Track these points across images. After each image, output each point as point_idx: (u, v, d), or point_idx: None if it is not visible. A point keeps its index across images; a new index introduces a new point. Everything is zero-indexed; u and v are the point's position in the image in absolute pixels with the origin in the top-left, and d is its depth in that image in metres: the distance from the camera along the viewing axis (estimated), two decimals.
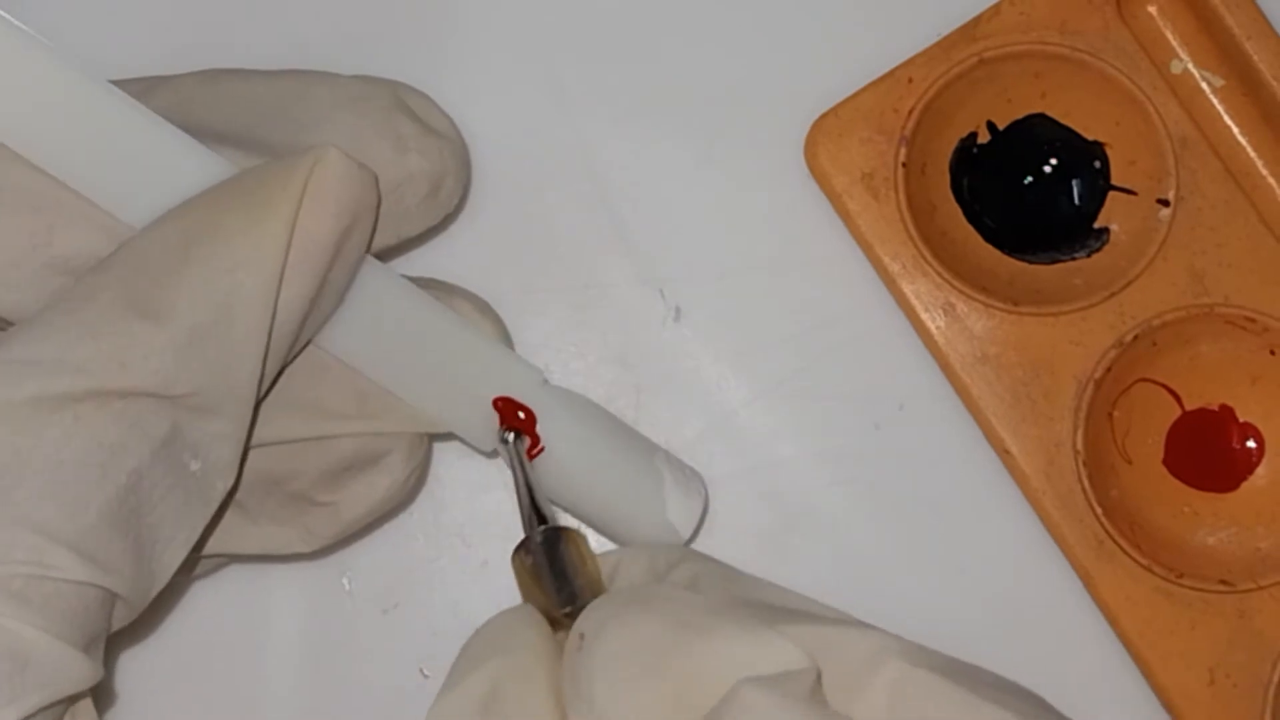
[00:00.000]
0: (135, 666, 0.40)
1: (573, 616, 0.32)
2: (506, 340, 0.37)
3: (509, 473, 0.37)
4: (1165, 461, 0.40)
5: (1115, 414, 0.40)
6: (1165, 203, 0.40)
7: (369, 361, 0.35)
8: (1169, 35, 0.40)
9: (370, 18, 0.41)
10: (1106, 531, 0.39)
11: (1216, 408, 0.40)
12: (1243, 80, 0.40)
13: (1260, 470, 0.40)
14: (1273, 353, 0.40)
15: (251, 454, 0.35)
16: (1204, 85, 0.40)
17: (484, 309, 0.37)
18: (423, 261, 0.40)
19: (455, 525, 0.41)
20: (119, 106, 0.33)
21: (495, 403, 0.36)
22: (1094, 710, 0.40)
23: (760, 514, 0.41)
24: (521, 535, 0.35)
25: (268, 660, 0.40)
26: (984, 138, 0.41)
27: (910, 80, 0.40)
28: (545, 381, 0.37)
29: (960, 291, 0.39)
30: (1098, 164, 0.41)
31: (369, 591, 0.41)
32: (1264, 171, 0.40)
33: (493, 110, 0.41)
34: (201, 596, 0.40)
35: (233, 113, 0.35)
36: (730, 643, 0.28)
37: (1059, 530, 0.39)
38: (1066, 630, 0.40)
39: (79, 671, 0.29)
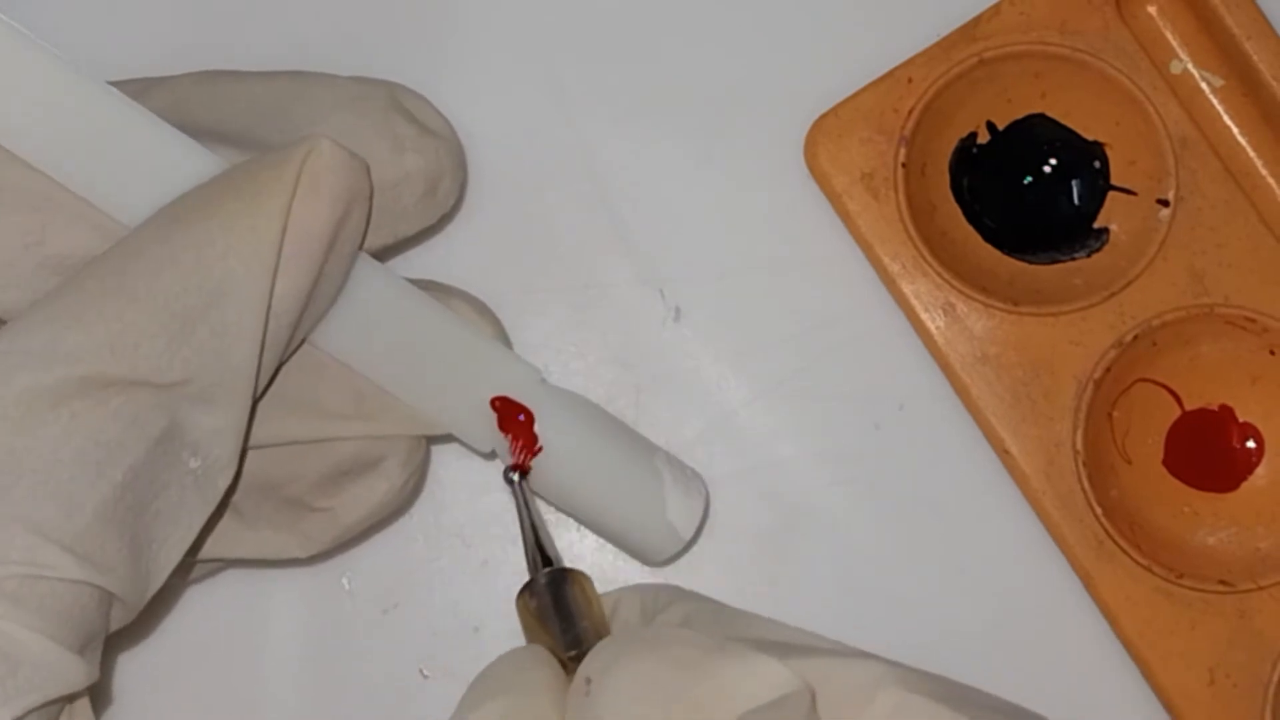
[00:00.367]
0: (135, 667, 0.40)
1: (578, 660, 0.31)
2: (505, 340, 0.37)
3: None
4: (1165, 462, 0.40)
5: (1115, 414, 0.40)
6: (1165, 203, 0.40)
7: (366, 361, 0.35)
8: (1169, 35, 0.40)
9: (369, 18, 0.41)
10: (1106, 532, 0.39)
11: (1216, 408, 0.40)
12: (1242, 80, 0.40)
13: (1260, 470, 0.40)
14: (1272, 353, 0.40)
15: (249, 457, 0.35)
16: (1204, 85, 0.40)
17: (482, 309, 0.37)
18: (422, 262, 0.40)
19: (455, 526, 0.41)
20: (116, 106, 0.33)
21: (493, 402, 0.36)
22: (1094, 710, 0.40)
23: (760, 514, 0.41)
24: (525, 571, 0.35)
25: (267, 660, 0.40)
26: (984, 138, 0.41)
27: (910, 80, 0.40)
28: (543, 381, 0.37)
29: (960, 292, 0.39)
30: (1097, 164, 0.41)
31: (369, 591, 0.41)
32: (1264, 171, 0.40)
33: (492, 110, 0.41)
34: (201, 597, 0.40)
35: (229, 113, 0.35)
36: (729, 678, 0.28)
37: (1059, 530, 0.39)
38: (1066, 630, 0.40)
39: (73, 673, 0.29)
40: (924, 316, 0.40)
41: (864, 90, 0.40)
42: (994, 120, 0.41)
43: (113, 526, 0.30)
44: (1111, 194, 0.41)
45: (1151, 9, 0.40)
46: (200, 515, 0.32)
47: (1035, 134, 0.41)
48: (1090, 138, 0.41)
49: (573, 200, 0.41)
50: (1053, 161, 0.41)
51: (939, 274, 0.39)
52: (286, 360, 0.34)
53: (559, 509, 0.38)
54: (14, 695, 0.28)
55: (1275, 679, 0.39)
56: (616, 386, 0.41)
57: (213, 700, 0.40)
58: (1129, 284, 0.39)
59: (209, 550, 0.36)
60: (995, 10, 0.40)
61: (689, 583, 0.40)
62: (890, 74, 0.40)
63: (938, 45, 0.40)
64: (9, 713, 0.28)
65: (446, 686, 0.40)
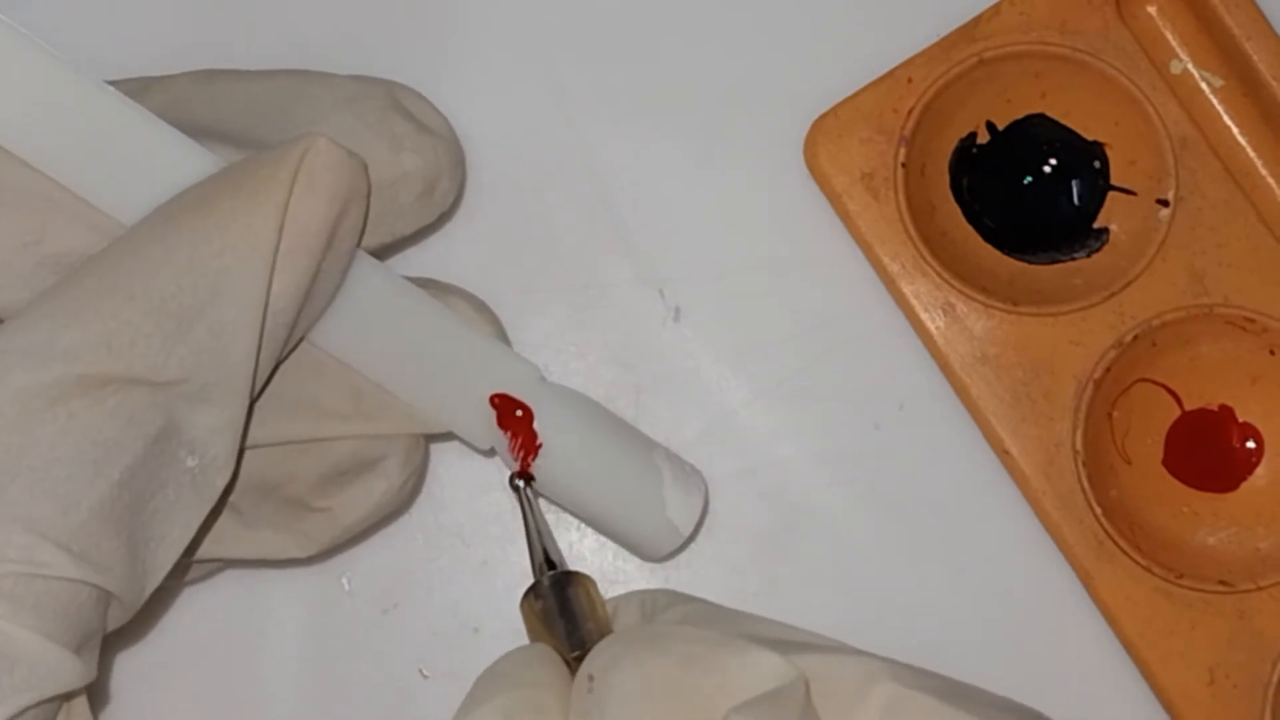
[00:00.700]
0: (134, 667, 0.40)
1: (582, 660, 0.32)
2: (503, 338, 0.37)
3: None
4: (1165, 462, 0.40)
5: (1115, 414, 0.40)
6: (1165, 203, 0.40)
7: (364, 359, 0.35)
8: (1169, 35, 0.40)
9: (370, 18, 0.41)
10: (1106, 532, 0.39)
11: (1216, 408, 0.40)
12: (1242, 80, 0.40)
13: (1260, 470, 0.40)
14: (1272, 353, 0.40)
15: (247, 457, 0.35)
16: (1203, 85, 0.40)
17: (480, 307, 0.37)
18: (422, 261, 0.40)
19: (455, 525, 0.41)
20: (114, 105, 0.33)
21: (492, 399, 0.36)
22: (1094, 710, 0.40)
23: (760, 514, 0.41)
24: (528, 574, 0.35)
25: (267, 660, 0.40)
26: (984, 138, 0.41)
27: (910, 80, 0.40)
28: (542, 378, 0.37)
29: (960, 292, 0.39)
30: (1097, 164, 0.41)
31: (368, 591, 0.41)
32: (1264, 171, 0.40)
33: (492, 110, 0.41)
34: (200, 597, 0.40)
35: (228, 113, 0.35)
36: (728, 671, 0.28)
37: (1058, 530, 0.39)
38: (1066, 630, 0.40)
39: (69, 671, 0.29)
40: (924, 316, 0.40)
41: (864, 90, 0.40)
42: (994, 120, 0.41)
43: (110, 525, 0.30)
44: (1111, 194, 0.41)
45: (1151, 9, 0.40)
46: (198, 514, 0.32)
47: (1035, 134, 0.41)
48: (1090, 138, 0.41)
49: (573, 200, 0.41)
50: (1053, 161, 0.41)
51: (939, 274, 0.39)
52: (284, 359, 0.34)
53: (558, 505, 0.38)
54: (9, 694, 0.28)
55: (1275, 679, 0.39)
56: (616, 386, 0.41)
57: (212, 700, 0.40)
58: (1129, 284, 0.39)
59: (208, 550, 0.36)
60: (995, 10, 0.40)
61: (689, 582, 0.40)
62: (890, 74, 0.40)
63: (937, 45, 0.40)
64: (4, 711, 0.28)
65: (446, 687, 0.40)
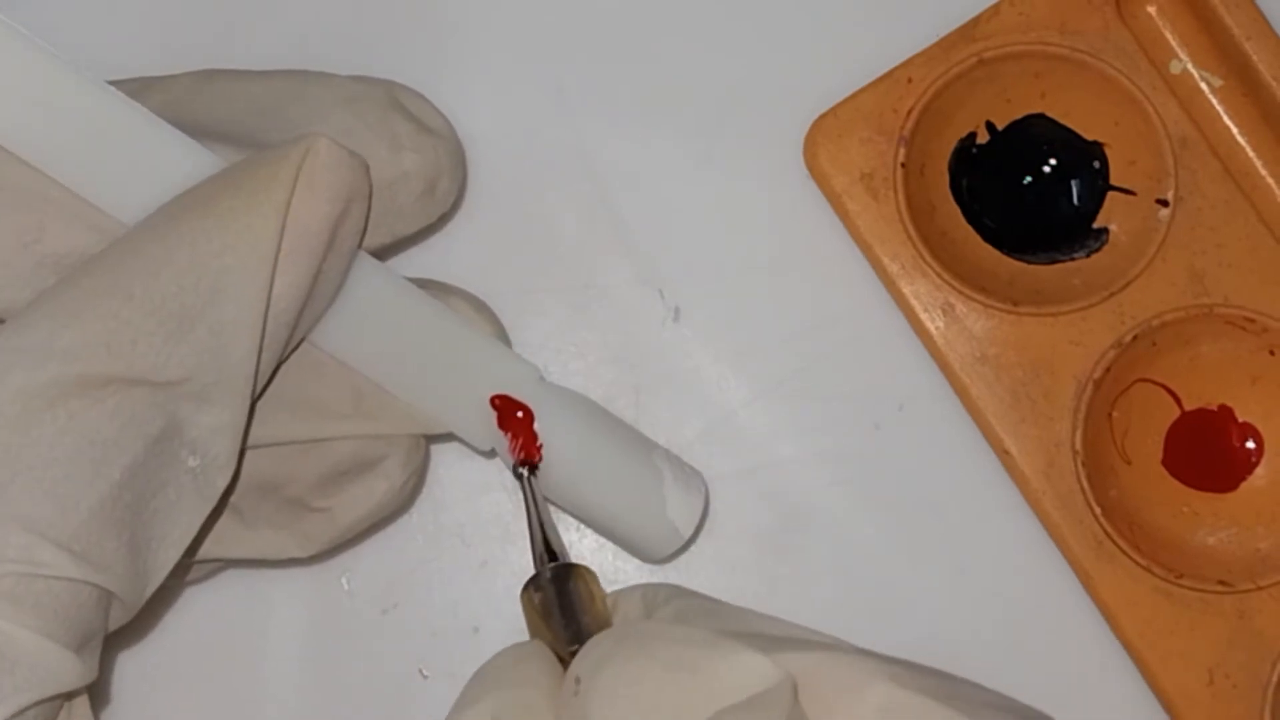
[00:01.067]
0: (135, 666, 0.40)
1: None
2: (504, 338, 0.37)
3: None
4: (1164, 462, 0.40)
5: (1115, 414, 0.40)
6: (1164, 203, 0.40)
7: (365, 359, 0.35)
8: (1168, 35, 0.40)
9: (370, 18, 0.41)
10: (1106, 532, 0.39)
11: (1216, 408, 0.40)
12: (1242, 80, 0.40)
13: (1259, 470, 0.40)
14: (1272, 353, 0.40)
15: (248, 457, 0.35)
16: (1203, 85, 0.40)
17: (480, 307, 0.37)
18: (422, 261, 0.40)
19: (455, 526, 0.41)
20: (114, 104, 0.33)
21: (492, 400, 0.36)
22: (1093, 710, 0.40)
23: (760, 514, 0.41)
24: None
25: (267, 660, 0.40)
26: (983, 138, 0.41)
27: (909, 80, 0.40)
28: (543, 379, 0.37)
29: (959, 292, 0.39)
30: (1097, 164, 0.41)
31: (368, 592, 0.41)
32: (1263, 171, 0.40)
33: (492, 110, 0.41)
34: (201, 597, 0.40)
35: (227, 113, 0.35)
36: (713, 674, 0.28)
37: (1058, 530, 0.39)
38: (1066, 630, 0.40)
39: (69, 672, 0.29)
40: (923, 317, 0.40)
41: (863, 90, 0.40)
42: (993, 120, 0.41)
43: (110, 525, 0.30)
44: (1111, 194, 0.41)
45: (1151, 9, 0.40)
46: (199, 514, 0.32)
47: (1035, 134, 0.41)
48: (1090, 138, 0.41)
49: (573, 200, 0.41)
50: (1052, 161, 0.41)
51: (938, 274, 0.39)
52: (285, 359, 0.34)
53: (559, 507, 0.37)
54: (9, 694, 0.28)
55: (1274, 679, 0.39)
56: (616, 387, 0.41)
57: (213, 700, 0.40)
58: (1128, 284, 0.39)
59: (209, 550, 0.36)
60: (995, 10, 0.40)
61: (689, 582, 0.40)
62: (890, 74, 0.40)
63: (937, 45, 0.40)
64: (4, 711, 0.28)
65: (446, 687, 0.40)
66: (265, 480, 0.35)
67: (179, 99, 0.36)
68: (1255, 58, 0.39)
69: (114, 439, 0.30)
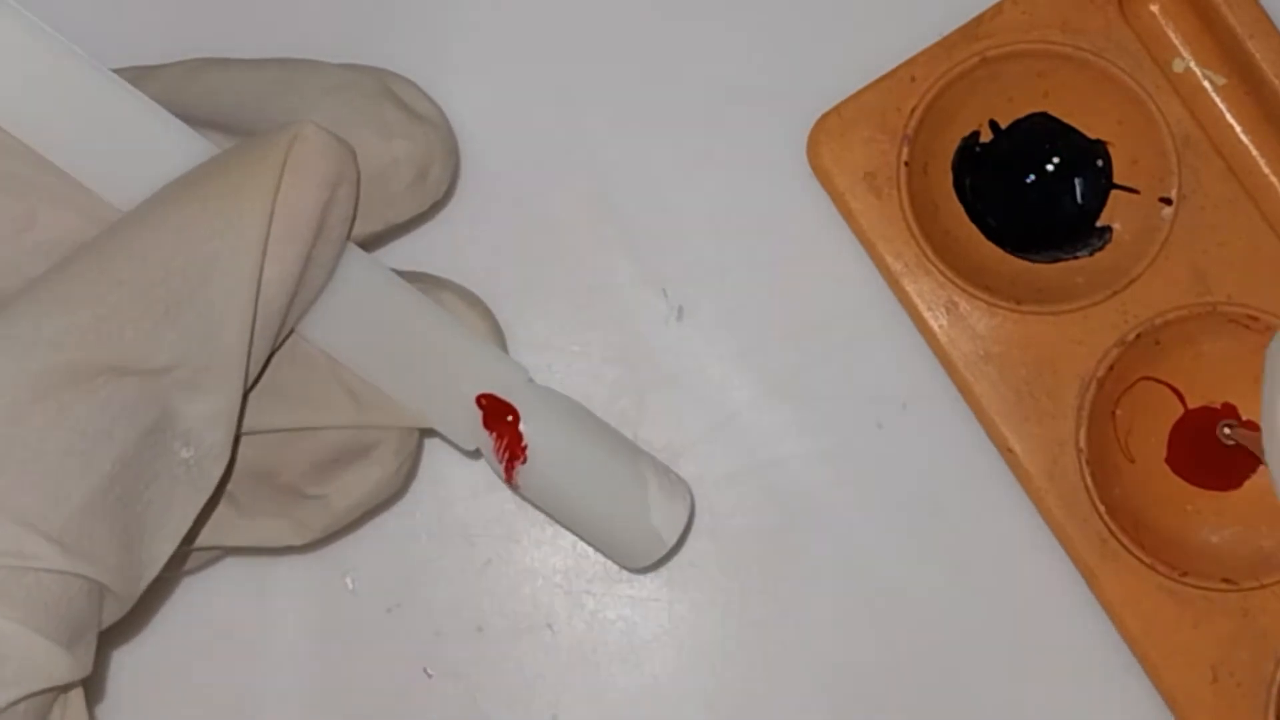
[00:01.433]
0: (136, 666, 0.40)
1: None
2: (498, 334, 0.37)
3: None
4: (1168, 460, 0.40)
5: (1118, 412, 0.40)
6: (1168, 201, 0.40)
7: (351, 353, 0.35)
8: (1171, 34, 0.40)
9: (367, 11, 0.42)
10: (1110, 530, 0.39)
11: (1219, 406, 0.40)
12: (1245, 79, 0.40)
13: (1263, 468, 0.40)
14: None
15: (242, 445, 0.34)
16: (1206, 84, 0.40)
17: (473, 302, 0.37)
18: (423, 262, 0.40)
19: (459, 524, 0.41)
20: (110, 87, 0.33)
21: (479, 400, 0.36)
22: (1097, 709, 0.40)
23: (763, 513, 0.41)
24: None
25: (270, 659, 0.40)
26: (986, 136, 0.41)
27: (913, 79, 0.40)
28: (530, 381, 0.36)
29: (963, 290, 0.39)
30: (1100, 163, 0.41)
31: (372, 590, 0.41)
32: (1266, 170, 0.40)
33: (494, 111, 0.41)
34: (204, 594, 0.40)
35: (220, 102, 0.35)
36: None
37: (1062, 529, 0.39)
38: (1069, 628, 0.40)
39: (59, 666, 0.29)
40: (927, 315, 0.40)
41: (866, 89, 0.40)
42: (996, 119, 0.41)
43: (102, 517, 0.30)
44: (1114, 193, 0.41)
45: (1154, 8, 0.40)
46: (194, 505, 0.32)
47: (1038, 133, 0.41)
48: (1093, 136, 0.41)
49: (575, 200, 0.41)
50: (1055, 160, 0.41)
51: (942, 273, 0.39)
52: (278, 349, 0.34)
53: (542, 510, 0.37)
54: None
55: (1279, 677, 0.39)
56: (619, 386, 0.41)
57: (214, 699, 0.40)
58: (1132, 282, 0.39)
59: (205, 538, 0.36)
60: (997, 9, 0.40)
61: (689, 582, 0.40)
62: (893, 73, 0.40)
63: (940, 44, 0.40)
64: None
65: (450, 686, 0.40)
66: (259, 468, 0.35)
67: (171, 89, 0.35)
68: (1258, 56, 0.39)
69: (105, 430, 0.30)
